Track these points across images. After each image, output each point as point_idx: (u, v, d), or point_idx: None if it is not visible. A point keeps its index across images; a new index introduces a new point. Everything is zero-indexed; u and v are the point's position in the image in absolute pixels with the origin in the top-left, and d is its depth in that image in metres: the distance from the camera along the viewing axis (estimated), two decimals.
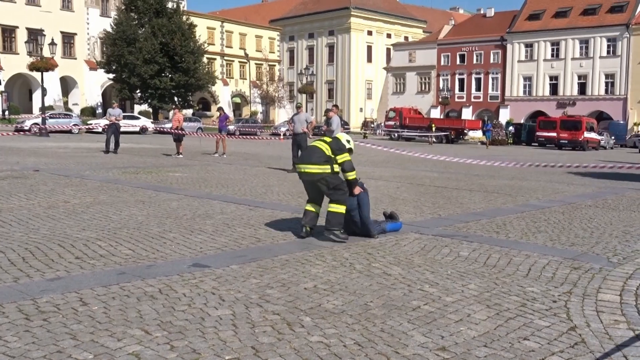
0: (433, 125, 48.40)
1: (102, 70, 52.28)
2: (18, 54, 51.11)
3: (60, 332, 3.82)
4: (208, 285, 4.95)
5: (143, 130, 42.31)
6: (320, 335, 3.92)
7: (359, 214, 7.07)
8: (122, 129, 23.41)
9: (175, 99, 51.43)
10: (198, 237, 6.86)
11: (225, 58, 70.38)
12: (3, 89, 49.61)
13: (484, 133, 46.04)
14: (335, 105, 16.16)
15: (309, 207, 7.09)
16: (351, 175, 6.97)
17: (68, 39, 56.24)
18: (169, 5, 53.00)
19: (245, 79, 72.48)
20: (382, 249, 6.59)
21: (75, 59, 56.88)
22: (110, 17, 54.33)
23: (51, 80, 50.12)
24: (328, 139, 7.09)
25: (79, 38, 57.14)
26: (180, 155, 20.38)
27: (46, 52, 37.39)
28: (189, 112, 55.56)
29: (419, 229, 7.91)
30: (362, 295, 4.84)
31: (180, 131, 21.17)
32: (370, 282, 5.22)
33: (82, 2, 57.34)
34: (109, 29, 51.04)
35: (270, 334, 3.92)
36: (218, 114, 23.34)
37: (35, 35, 40.74)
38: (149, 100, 51.57)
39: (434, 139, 46.01)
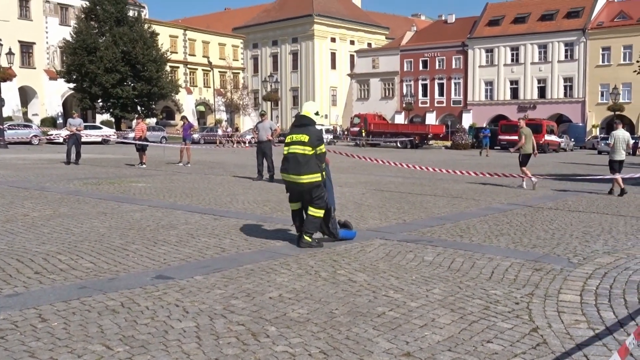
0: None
1: (63, 79, 51.33)
2: None
3: (18, 350, 3.72)
4: (172, 297, 4.89)
5: (105, 141, 41.70)
6: (286, 345, 3.90)
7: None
8: (83, 139, 23.03)
9: (139, 108, 50.82)
10: (162, 249, 6.78)
11: (189, 66, 69.87)
12: None
13: (478, 139, 43.55)
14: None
15: (295, 206, 7.24)
16: (323, 166, 7.13)
17: (26, 48, 55.18)
18: (130, 13, 52.42)
19: (209, 87, 72.03)
20: (348, 256, 6.60)
21: (35, 68, 55.81)
22: (70, 26, 53.43)
23: (9, 91, 49.04)
24: (304, 137, 6.96)
25: (38, 47, 56.11)
26: (144, 165, 20.14)
27: (4, 62, 36.62)
28: (152, 121, 54.96)
29: (384, 234, 7.95)
30: (328, 303, 4.84)
31: (143, 141, 20.92)
32: (335, 290, 5.22)
33: (41, 11, 56.34)
34: (69, 38, 50.20)
35: (235, 345, 3.89)
36: (182, 122, 23.14)
37: None
38: (111, 110, 50.85)
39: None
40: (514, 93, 66.48)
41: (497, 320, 4.48)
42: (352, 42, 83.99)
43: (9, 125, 38.05)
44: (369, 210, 10.33)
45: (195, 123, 57.07)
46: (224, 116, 71.35)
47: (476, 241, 7.60)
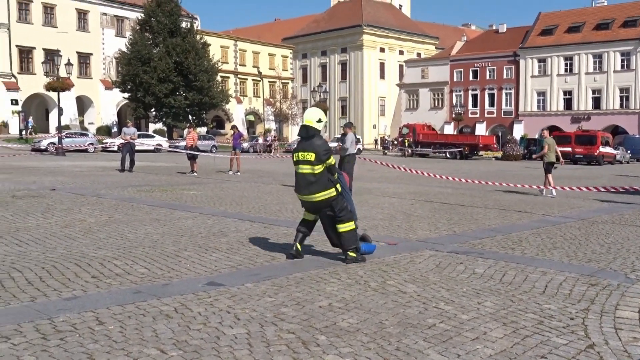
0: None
1: (117, 89, 52.79)
2: (35, 74, 51.81)
3: (77, 351, 3.84)
4: (223, 304, 4.96)
5: (157, 149, 42.60)
6: (336, 354, 3.91)
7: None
8: (137, 148, 23.58)
9: (190, 117, 51.78)
10: (213, 256, 6.88)
11: (239, 76, 70.86)
12: (21, 109, 50.26)
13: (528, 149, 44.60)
14: (350, 123, 16.12)
15: (309, 216, 6.93)
16: (335, 177, 6.73)
17: (84, 59, 56.96)
18: (183, 25, 53.56)
19: (259, 96, 72.87)
20: (397, 267, 6.57)
21: (91, 78, 57.53)
22: (126, 37, 54.94)
23: (67, 100, 50.70)
24: (310, 156, 6.58)
25: (95, 58, 57.85)
26: (195, 174, 20.50)
27: (62, 73, 37.89)
28: (203, 130, 55.88)
29: (434, 245, 7.89)
30: (377, 313, 4.83)
31: (194, 149, 21.30)
32: (385, 300, 5.21)
33: (98, 23, 58.12)
34: (124, 49, 51.59)
35: (285, 352, 3.92)
36: (232, 132, 23.47)
37: (51, 55, 41.41)
38: (164, 119, 51.95)
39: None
40: (568, 104, 65.07)
41: (552, 335, 4.39)
42: (401, 52, 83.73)
43: (66, 134, 39.28)
44: (418, 221, 10.26)
45: (245, 132, 57.77)
46: (272, 125, 72.04)
47: (528, 254, 7.46)
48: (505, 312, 4.93)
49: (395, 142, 58.16)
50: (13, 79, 51.84)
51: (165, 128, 54.30)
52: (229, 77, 68.35)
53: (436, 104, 75.01)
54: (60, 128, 36.93)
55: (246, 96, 71.61)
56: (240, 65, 70.95)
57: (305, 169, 6.64)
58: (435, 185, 18.42)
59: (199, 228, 8.84)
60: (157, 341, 4.06)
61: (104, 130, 54.76)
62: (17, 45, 52.15)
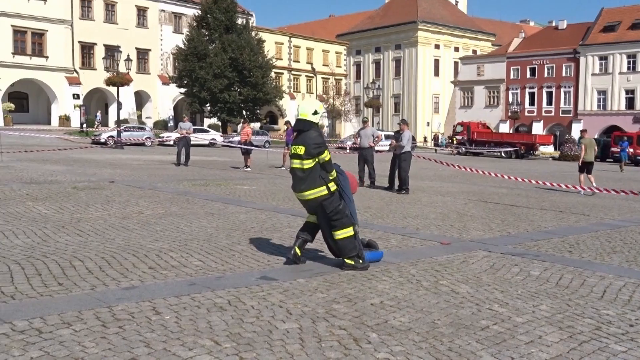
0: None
1: (174, 84, 53.86)
2: (96, 69, 53.31)
3: (135, 339, 3.95)
4: (275, 299, 5.02)
5: (212, 144, 43.26)
6: (387, 352, 3.91)
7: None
8: (192, 142, 23.99)
9: (244, 112, 52.38)
10: (266, 250, 6.96)
11: (293, 72, 71.27)
12: (81, 103, 51.81)
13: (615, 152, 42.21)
14: (404, 121, 16.00)
15: (310, 218, 6.45)
16: (331, 176, 6.18)
17: (142, 54, 58.28)
18: (239, 21, 54.18)
19: (312, 93, 73.12)
20: (450, 267, 6.51)
21: (149, 74, 58.84)
22: (183, 34, 55.95)
23: (126, 95, 52.03)
24: (300, 149, 6.07)
25: (153, 54, 59.13)
26: (248, 168, 20.74)
27: (122, 68, 38.88)
28: (256, 125, 56.47)
29: (488, 246, 7.77)
30: (430, 313, 4.80)
31: (248, 145, 21.55)
32: (437, 300, 5.17)
33: (156, 20, 59.37)
34: (181, 45, 52.55)
35: (337, 349, 3.94)
36: (285, 127, 23.62)
37: (112, 51, 42.45)
38: (218, 114, 52.71)
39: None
40: (630, 103, 62.96)
41: (610, 342, 4.28)
42: (456, 49, 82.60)
43: (125, 127, 40.28)
44: (471, 221, 10.13)
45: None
46: (325, 122, 72.18)
47: (586, 258, 7.27)
48: (561, 317, 4.82)
49: (450, 141, 57.48)
50: (75, 74, 53.48)
51: (219, 123, 55.10)
52: (282, 73, 68.81)
53: (491, 102, 73.76)
54: (119, 122, 37.93)
55: (299, 92, 71.97)
56: (294, 61, 71.34)
57: (296, 163, 6.17)
58: (489, 184, 18.13)
59: (252, 222, 8.95)
60: (211, 332, 4.14)
61: (161, 125, 55.95)
62: (79, 42, 53.76)
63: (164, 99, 59.44)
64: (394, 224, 9.46)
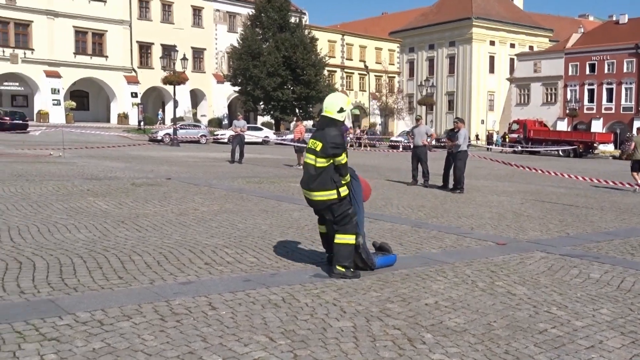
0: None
1: (228, 83, 54.64)
2: (153, 68, 54.54)
3: (192, 334, 4.03)
4: (329, 296, 5.03)
5: (265, 141, 43.65)
6: (442, 354, 3.87)
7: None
8: (246, 140, 24.26)
9: (297, 110, 52.71)
10: (319, 248, 6.98)
11: (345, 70, 71.26)
12: (139, 102, 53.09)
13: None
14: (460, 119, 15.77)
15: (321, 228, 6.16)
16: (344, 180, 5.77)
17: (198, 54, 59.29)
18: (292, 20, 54.51)
19: (365, 90, 72.97)
20: (506, 267, 6.40)
21: (204, 72, 59.83)
22: (237, 33, 56.65)
23: (182, 93, 53.03)
24: (318, 145, 5.69)
25: (208, 53, 60.09)
26: (301, 166, 20.80)
27: (178, 67, 39.61)
28: (309, 123, 56.72)
29: (545, 247, 7.60)
30: (485, 314, 4.73)
31: (302, 142, 21.65)
32: (493, 301, 5.09)
33: (212, 19, 60.30)
34: (236, 44, 53.23)
35: (391, 348, 3.92)
36: None
37: (168, 51, 43.33)
38: (272, 112, 53.18)
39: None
40: None
41: None
42: (512, 45, 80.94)
43: (180, 125, 41.06)
44: (528, 221, 9.92)
45: (350, 126, 58.04)
46: (378, 120, 71.96)
47: None
48: (623, 321, 4.68)
49: (504, 139, 56.41)
50: (133, 73, 54.83)
51: (272, 121, 55.59)
52: (335, 71, 68.90)
53: (549, 99, 72.06)
54: (175, 120, 38.68)
55: (352, 90, 71.92)
56: (347, 59, 71.33)
57: (310, 158, 5.78)
58: (546, 184, 17.71)
59: (305, 220, 8.99)
60: (266, 329, 4.18)
61: (215, 122, 56.82)
62: (137, 41, 55.10)
63: (219, 97, 60.33)
64: (448, 224, 9.35)
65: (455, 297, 5.18)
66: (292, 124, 54.21)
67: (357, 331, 4.22)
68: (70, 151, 22.64)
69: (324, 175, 5.64)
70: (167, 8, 57.08)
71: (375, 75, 73.38)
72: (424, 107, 59.70)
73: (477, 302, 5.06)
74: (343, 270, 5.64)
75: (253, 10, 54.08)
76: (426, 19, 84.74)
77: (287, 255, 6.56)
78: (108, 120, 54.22)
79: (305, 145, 21.85)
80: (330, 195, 5.63)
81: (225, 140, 39.37)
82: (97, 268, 5.63)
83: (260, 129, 47.23)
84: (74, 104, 51.30)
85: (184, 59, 39.57)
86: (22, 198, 10.00)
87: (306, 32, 54.46)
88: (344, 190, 5.68)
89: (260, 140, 42.99)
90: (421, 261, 6.53)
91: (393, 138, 49.85)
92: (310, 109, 55.39)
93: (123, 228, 7.72)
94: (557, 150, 47.80)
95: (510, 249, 7.41)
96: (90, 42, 52.79)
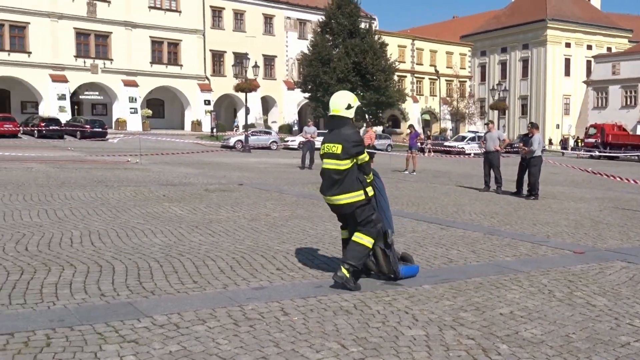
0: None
1: (299, 89, 55.20)
2: (225, 76, 55.70)
3: (265, 339, 4.08)
4: (401, 304, 4.99)
5: None
6: None
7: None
8: (316, 146, 24.37)
9: (367, 116, 52.68)
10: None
11: (416, 75, 70.70)
12: (212, 109, 54.32)
13: None
14: (534, 124, 15.35)
15: (343, 234, 5.91)
16: (368, 178, 5.56)
17: (269, 61, 60.16)
18: (362, 25, 54.55)
19: (435, 95, 72.17)
20: (585, 277, 6.17)
21: (275, 79, 60.64)
22: (307, 40, 57.16)
23: (253, 100, 53.93)
24: (337, 147, 5.41)
25: (279, 60, 60.90)
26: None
27: (250, 74, 40.32)
28: (379, 129, 56.55)
29: (626, 257, 7.29)
30: (563, 325, 4.57)
31: (371, 148, 21.61)
32: (572, 312, 4.91)
33: (282, 27, 61.09)
34: (306, 51, 53.71)
35: (465, 359, 3.85)
36: (409, 131, 23.49)
37: (240, 58, 44.21)
38: None
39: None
40: None
41: None
42: (589, 47, 78.21)
43: (252, 132, 41.76)
44: (607, 229, 9.54)
45: (420, 131, 57.54)
46: (449, 125, 71.01)
47: None
48: None
49: (581, 144, 54.50)
50: (206, 81, 56.19)
51: None
52: (405, 76, 68.46)
53: (628, 102, 69.12)
54: (246, 126, 39.38)
55: (422, 95, 71.28)
56: (417, 64, 70.76)
57: (330, 163, 5.48)
58: (626, 190, 17.00)
59: None
60: (337, 336, 4.19)
61: (286, 129, 57.46)
62: (210, 50, 56.44)
63: (289, 104, 60.99)
64: (522, 231, 9.11)
65: (532, 307, 5.03)
66: (361, 130, 54.23)
67: (429, 340, 4.16)
68: (147, 158, 23.40)
69: (350, 177, 5.40)
70: (239, 17, 58.21)
71: (446, 80, 72.46)
72: (496, 112, 58.49)
73: (555, 312, 4.90)
74: (347, 274, 5.29)
75: (323, 17, 54.45)
76: (498, 21, 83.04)
77: None
78: (182, 128, 55.72)
79: (374, 151, 21.84)
80: (358, 196, 5.40)
81: (296, 147, 39.76)
82: (172, 272, 5.79)
83: None
84: (150, 111, 53.01)
85: (256, 66, 40.24)
86: (102, 203, 10.41)
87: (376, 37, 54.38)
88: (370, 190, 5.50)
89: None
90: (495, 269, 6.38)
91: (447, 143, 47.54)
92: (380, 115, 55.24)
93: (197, 233, 7.91)
94: (637, 156, 45.77)
95: (588, 258, 7.14)
96: (165, 51, 54.44)
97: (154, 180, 15.03)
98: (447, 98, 71.82)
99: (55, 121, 40.40)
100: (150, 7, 52.72)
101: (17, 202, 10.21)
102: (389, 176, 19.99)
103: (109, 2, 50.51)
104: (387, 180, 17.70)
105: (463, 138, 50.02)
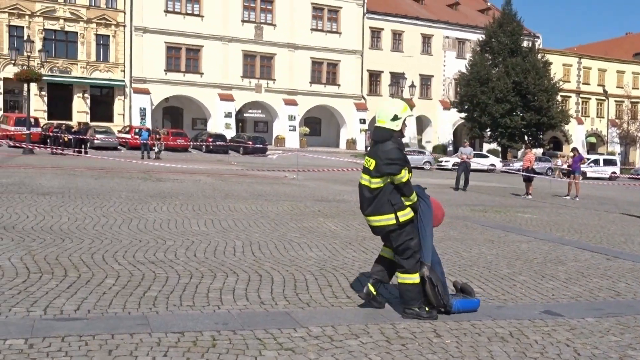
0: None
1: (455, 109, 54.37)
2: (381, 95, 56.20)
3: (417, 359, 4.06)
4: (561, 336, 4.74)
5: (490, 169, 42.53)
6: None
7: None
8: (471, 167, 23.86)
9: (526, 137, 50.65)
10: (549, 284, 6.62)
11: (581, 95, 66.81)
12: (367, 127, 55.03)
13: None
14: None
15: (383, 252, 5.35)
16: (408, 201, 4.97)
17: (425, 80, 59.90)
18: (524, 44, 52.71)
19: (603, 117, 67.70)
20: None
21: (431, 99, 60.22)
22: (465, 59, 56.25)
23: (408, 120, 53.77)
24: (370, 163, 4.96)
25: (435, 80, 60.45)
26: (529, 196, 19.93)
27: (406, 94, 40.42)
28: (539, 151, 54.09)
29: None
30: None
31: (530, 171, 20.74)
32: None
33: (440, 46, 60.63)
34: (464, 70, 52.84)
35: None
36: (572, 154, 22.26)
37: (397, 78, 44.52)
38: (499, 139, 51.72)
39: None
40: None
41: None
42: None
43: (405, 152, 41.67)
44: None
45: (585, 155, 54.26)
46: (617, 149, 66.25)
47: None
48: None
49: None
50: (362, 100, 57.11)
51: (499, 148, 54.02)
52: (569, 97, 64.96)
53: None
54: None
55: (588, 116, 67.18)
56: (583, 83, 66.90)
57: (364, 179, 5.04)
58: None
59: (534, 253, 8.58)
60: None
61: (440, 149, 56.76)
62: (367, 70, 57.34)
63: (444, 124, 60.24)
64: None
65: None
66: (520, 152, 52.24)
67: None
68: (303, 174, 24.21)
69: (381, 197, 4.89)
70: (397, 37, 58.65)
71: (616, 101, 67.72)
72: None
73: None
74: (416, 310, 4.94)
75: (483, 36, 53.34)
76: None
77: (514, 288, 6.31)
78: (337, 146, 56.97)
79: (534, 175, 20.94)
80: (388, 220, 4.88)
81: (449, 167, 39.12)
82: (327, 286, 5.94)
83: (486, 157, 46.18)
84: (307, 129, 54.84)
85: (412, 86, 40.28)
86: (262, 216, 10.93)
87: (539, 56, 52.24)
88: (403, 215, 4.89)
89: (485, 167, 42.01)
90: None
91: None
92: (541, 136, 52.85)
93: (350, 249, 8.05)
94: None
95: None
96: (325, 71, 56.12)
97: (310, 196, 15.51)
98: (617, 120, 67.06)
99: (221, 137, 43.06)
100: (312, 29, 54.72)
101: (187, 211, 11.02)
102: (549, 201, 19.05)
103: (275, 25, 53.13)
104: (546, 206, 16.93)
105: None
